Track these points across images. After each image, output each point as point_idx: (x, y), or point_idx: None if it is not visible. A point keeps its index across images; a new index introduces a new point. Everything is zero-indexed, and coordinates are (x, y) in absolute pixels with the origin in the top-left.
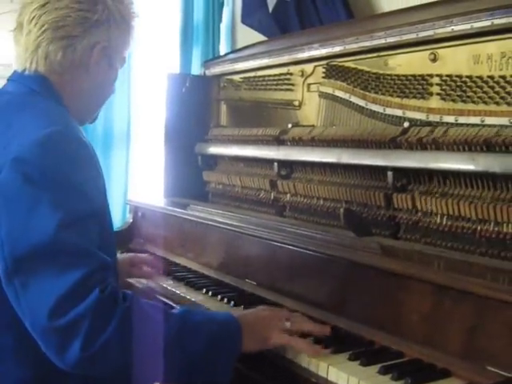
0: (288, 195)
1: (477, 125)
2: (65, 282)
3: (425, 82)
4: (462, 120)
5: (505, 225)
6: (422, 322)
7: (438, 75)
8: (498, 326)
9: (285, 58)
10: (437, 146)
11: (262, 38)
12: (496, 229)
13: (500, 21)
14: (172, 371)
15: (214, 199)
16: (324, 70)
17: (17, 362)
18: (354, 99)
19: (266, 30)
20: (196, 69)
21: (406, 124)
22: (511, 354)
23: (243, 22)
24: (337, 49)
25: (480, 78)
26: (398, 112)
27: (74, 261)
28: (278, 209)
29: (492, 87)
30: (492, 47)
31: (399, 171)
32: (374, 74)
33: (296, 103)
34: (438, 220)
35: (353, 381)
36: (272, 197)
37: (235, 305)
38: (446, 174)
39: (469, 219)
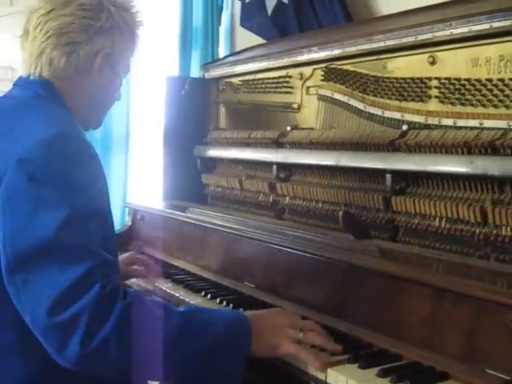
0: (287, 198)
1: (475, 128)
2: (65, 278)
3: (423, 85)
4: (460, 123)
5: (503, 227)
6: (420, 325)
7: (436, 78)
8: (497, 329)
9: (284, 61)
10: (435, 148)
11: (260, 41)
12: (495, 231)
13: (499, 24)
14: (173, 371)
15: (212, 202)
16: (323, 72)
17: (20, 360)
18: (352, 102)
19: (264, 33)
20: (195, 72)
21: (405, 127)
22: (510, 356)
23: (242, 25)
24: (336, 52)
25: (478, 81)
26: (397, 115)
27: (75, 258)
28: (277, 211)
29: (490, 90)
30: (491, 50)
31: (398, 174)
32: (373, 76)
33: (295, 106)
34: (437, 223)
35: None
36: (271, 199)
37: (234, 307)
38: (444, 177)
39: (467, 222)
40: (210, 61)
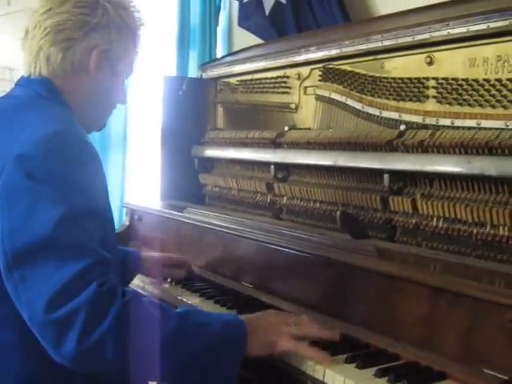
0: (284, 198)
1: (473, 128)
2: (62, 275)
3: (421, 85)
4: (458, 123)
5: (501, 227)
6: (418, 325)
7: (434, 78)
8: (494, 329)
9: (281, 61)
10: (433, 148)
11: (258, 41)
12: (492, 231)
13: (496, 24)
14: (169, 371)
15: (210, 202)
16: (320, 72)
17: (19, 357)
18: (350, 102)
19: (262, 33)
20: (193, 72)
21: (403, 127)
22: (507, 356)
23: (240, 25)
24: (333, 52)
25: (476, 81)
26: (395, 115)
27: (73, 255)
28: (275, 211)
29: (488, 90)
30: (488, 50)
31: (395, 174)
32: (371, 76)
33: (293, 106)
34: (435, 223)
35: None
36: (268, 199)
37: (231, 307)
38: (442, 177)
39: (465, 222)
40: (208, 61)
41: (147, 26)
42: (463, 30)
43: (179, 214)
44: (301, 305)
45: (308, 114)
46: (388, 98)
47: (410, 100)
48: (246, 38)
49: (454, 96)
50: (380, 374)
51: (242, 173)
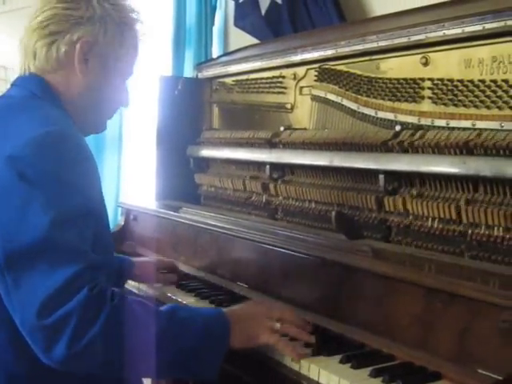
0: (280, 198)
1: (468, 128)
2: (54, 280)
3: (416, 86)
4: (453, 124)
5: (495, 228)
6: (413, 325)
7: (429, 79)
8: (489, 329)
9: (277, 61)
10: (428, 149)
11: (254, 41)
12: (487, 232)
13: (491, 25)
14: (159, 368)
15: (206, 202)
16: (316, 73)
17: (11, 358)
18: (345, 102)
19: (258, 33)
20: (188, 71)
21: (398, 127)
22: (502, 356)
23: (236, 24)
24: (329, 52)
25: (471, 82)
26: (390, 115)
27: (65, 260)
28: (270, 212)
29: (483, 91)
30: (483, 51)
31: (391, 174)
32: (366, 77)
33: (288, 106)
34: (430, 223)
35: None
36: (264, 200)
37: (226, 307)
38: (437, 178)
39: (460, 222)
40: (204, 61)
41: (143, 22)
42: (459, 30)
43: (174, 213)
44: (296, 305)
45: (304, 114)
46: (383, 99)
47: (406, 101)
48: (241, 38)
49: (450, 97)
50: (375, 374)
51: (237, 173)
